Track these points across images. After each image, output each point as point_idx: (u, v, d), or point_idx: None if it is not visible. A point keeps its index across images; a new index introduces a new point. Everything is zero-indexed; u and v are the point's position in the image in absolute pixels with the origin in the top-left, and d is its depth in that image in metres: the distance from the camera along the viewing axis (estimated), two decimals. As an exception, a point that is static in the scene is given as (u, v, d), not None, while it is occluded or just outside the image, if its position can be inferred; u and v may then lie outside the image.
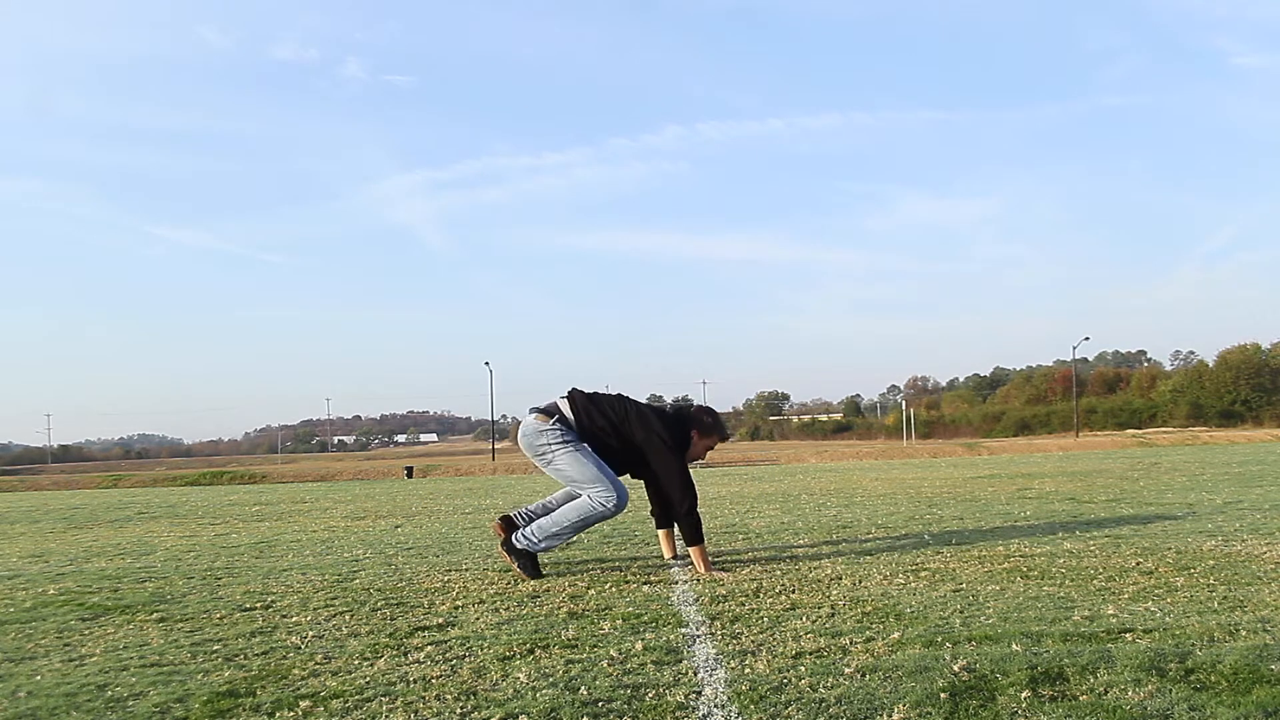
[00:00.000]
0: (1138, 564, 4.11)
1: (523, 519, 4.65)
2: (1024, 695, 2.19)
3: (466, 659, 2.78)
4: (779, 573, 4.24)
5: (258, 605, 3.88)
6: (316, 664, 2.79)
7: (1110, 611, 3.10)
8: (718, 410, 4.84)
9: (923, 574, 4.04)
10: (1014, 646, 2.62)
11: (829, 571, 4.21)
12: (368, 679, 2.58)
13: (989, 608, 3.24)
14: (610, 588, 4.01)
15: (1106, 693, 2.19)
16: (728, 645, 2.83)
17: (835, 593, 3.67)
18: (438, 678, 2.57)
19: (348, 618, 3.53)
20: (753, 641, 2.87)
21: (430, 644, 3.00)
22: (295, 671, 2.70)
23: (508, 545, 4.54)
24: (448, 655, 2.84)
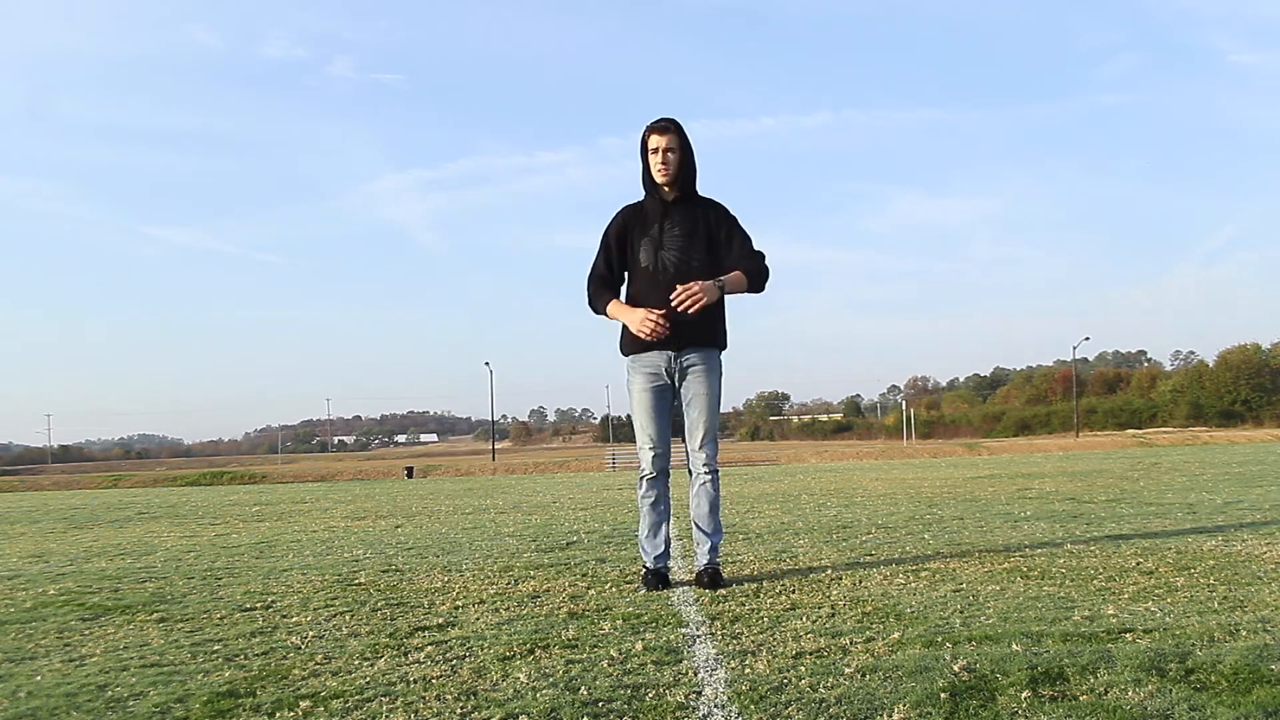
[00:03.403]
0: (1138, 564, 4.11)
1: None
2: (1024, 695, 2.19)
3: (466, 659, 2.78)
4: (779, 573, 4.24)
5: (258, 605, 3.88)
6: (317, 664, 2.79)
7: (1110, 611, 3.10)
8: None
9: (923, 574, 4.04)
10: (1014, 646, 2.62)
11: (829, 571, 4.21)
12: (368, 679, 2.58)
13: (989, 608, 3.24)
14: (610, 588, 4.01)
15: (1106, 693, 2.19)
16: (728, 645, 2.83)
17: (835, 593, 3.67)
18: (438, 678, 2.57)
19: (348, 618, 3.53)
20: (753, 641, 2.87)
21: (430, 644, 3.00)
22: (295, 671, 2.70)
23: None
24: (448, 655, 2.84)
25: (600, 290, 3.96)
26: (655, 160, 3.83)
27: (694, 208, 3.95)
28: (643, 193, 3.99)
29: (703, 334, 3.90)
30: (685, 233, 3.87)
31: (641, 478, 3.97)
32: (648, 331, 3.73)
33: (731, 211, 4.02)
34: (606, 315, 3.95)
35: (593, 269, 4.01)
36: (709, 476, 3.95)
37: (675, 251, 3.85)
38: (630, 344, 3.96)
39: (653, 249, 3.86)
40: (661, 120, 3.87)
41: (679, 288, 3.74)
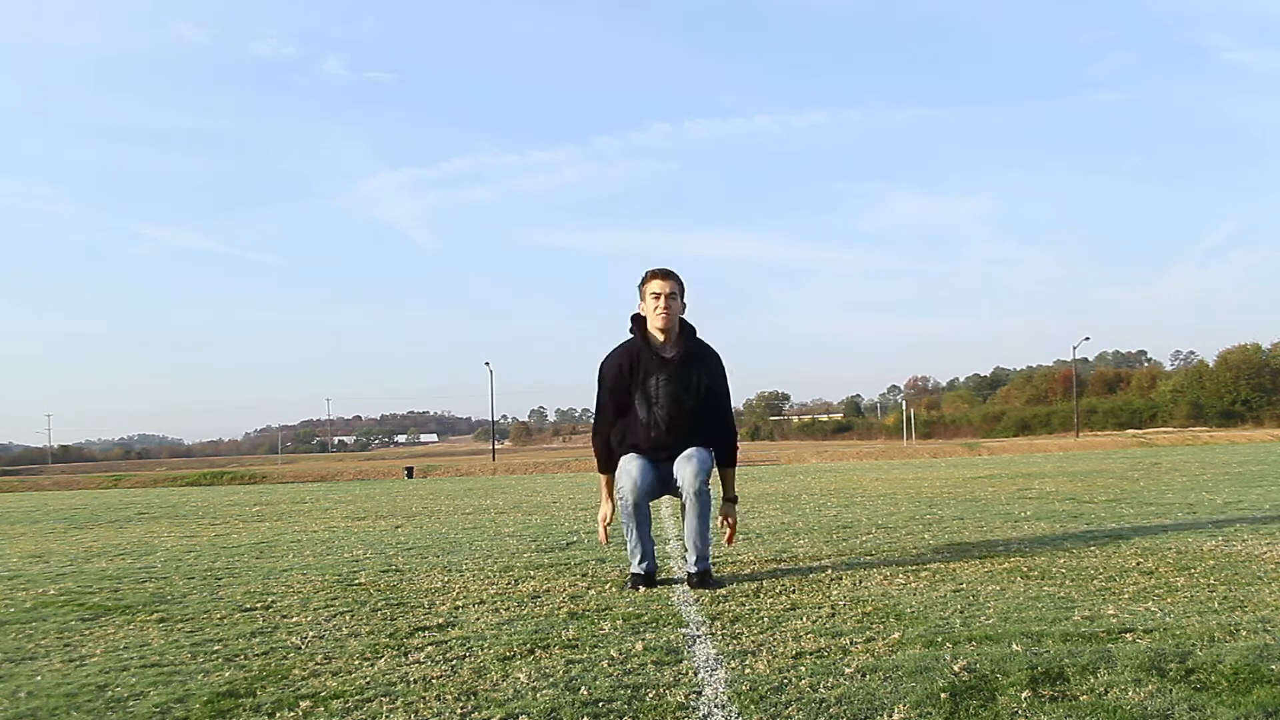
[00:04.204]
0: (1138, 564, 4.11)
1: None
2: (1024, 695, 2.19)
3: (466, 659, 2.78)
4: (779, 573, 4.24)
5: (258, 605, 3.89)
6: (317, 664, 2.79)
7: (1110, 611, 3.10)
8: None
9: (923, 574, 4.04)
10: (1014, 646, 2.62)
11: (829, 571, 4.21)
12: (368, 679, 2.58)
13: (989, 608, 3.24)
14: (610, 588, 4.01)
15: (1106, 693, 2.19)
16: (728, 645, 2.83)
17: (835, 593, 3.67)
18: (438, 678, 2.57)
19: (348, 618, 3.53)
20: (753, 641, 2.87)
21: (430, 644, 3.00)
22: (295, 671, 2.70)
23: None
24: (448, 655, 2.84)
25: (602, 452, 4.25)
26: (656, 305, 4.07)
27: (687, 363, 4.13)
28: (630, 326, 4.27)
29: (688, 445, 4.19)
30: (678, 389, 4.10)
31: (625, 510, 4.12)
32: (599, 534, 4.36)
33: (720, 364, 4.26)
34: (599, 473, 4.32)
35: (598, 419, 4.22)
36: (698, 493, 4.08)
37: (667, 408, 4.09)
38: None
39: (647, 405, 4.09)
40: (663, 269, 4.13)
41: (727, 528, 4.28)
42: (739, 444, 4.39)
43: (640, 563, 4.14)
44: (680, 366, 4.08)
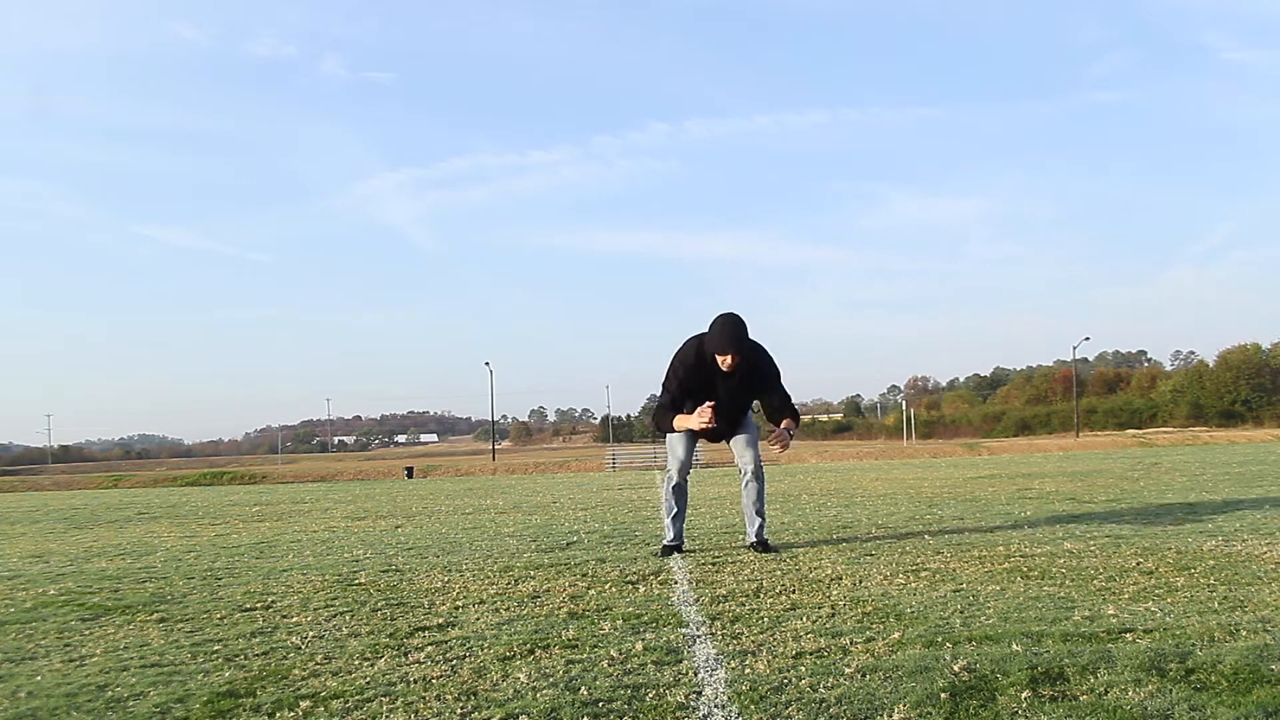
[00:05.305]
0: (1138, 564, 4.11)
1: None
2: (1024, 695, 2.19)
3: (466, 659, 2.78)
4: (779, 573, 4.24)
5: (258, 605, 3.89)
6: (317, 664, 2.79)
7: (1110, 611, 3.10)
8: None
9: (923, 574, 4.04)
10: (1014, 646, 2.62)
11: (829, 571, 4.21)
12: (368, 679, 2.58)
13: (989, 608, 3.24)
14: (610, 588, 4.01)
15: (1106, 693, 2.19)
16: (728, 645, 2.83)
17: (835, 593, 3.67)
18: (438, 678, 2.57)
19: (348, 618, 3.53)
20: (753, 641, 2.87)
21: (430, 644, 3.00)
22: (295, 672, 2.70)
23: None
24: (448, 655, 2.84)
25: (668, 414, 4.97)
26: (723, 361, 4.75)
27: (746, 374, 4.84)
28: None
29: (740, 428, 5.08)
30: (739, 393, 4.93)
31: (670, 484, 5.10)
32: (707, 420, 4.74)
33: (769, 362, 4.91)
34: (674, 429, 4.98)
35: (665, 397, 4.95)
36: (755, 474, 5.07)
37: (727, 406, 4.89)
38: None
39: (714, 395, 4.85)
40: (730, 336, 4.67)
41: (781, 438, 4.88)
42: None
43: (678, 534, 5.08)
44: (742, 375, 4.81)
